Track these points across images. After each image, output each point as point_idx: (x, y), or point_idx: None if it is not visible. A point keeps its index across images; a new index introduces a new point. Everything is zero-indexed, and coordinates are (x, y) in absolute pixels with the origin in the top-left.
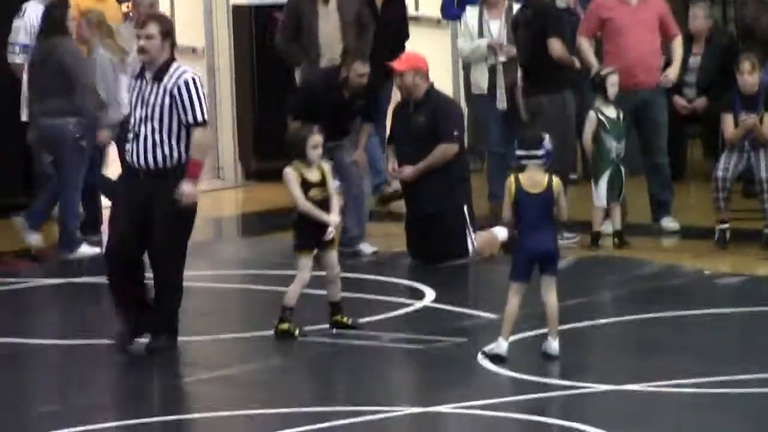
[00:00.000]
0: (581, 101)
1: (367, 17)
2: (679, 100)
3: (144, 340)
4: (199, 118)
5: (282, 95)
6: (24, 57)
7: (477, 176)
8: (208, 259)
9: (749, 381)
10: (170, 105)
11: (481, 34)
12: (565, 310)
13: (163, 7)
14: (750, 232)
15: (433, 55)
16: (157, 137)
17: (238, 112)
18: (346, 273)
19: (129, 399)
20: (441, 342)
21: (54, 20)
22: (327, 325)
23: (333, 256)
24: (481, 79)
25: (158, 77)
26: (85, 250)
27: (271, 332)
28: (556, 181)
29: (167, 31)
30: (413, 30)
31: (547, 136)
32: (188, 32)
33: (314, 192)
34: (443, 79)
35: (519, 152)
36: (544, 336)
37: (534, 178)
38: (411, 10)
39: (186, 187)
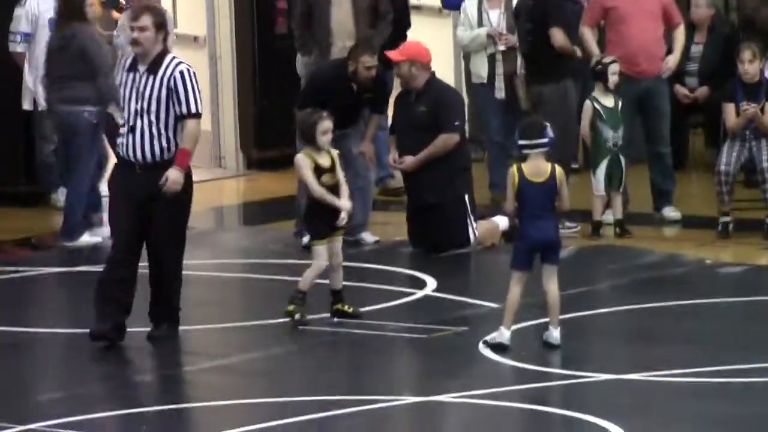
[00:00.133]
0: (583, 90)
1: (386, 4)
2: (681, 90)
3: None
4: (194, 109)
5: (283, 84)
6: (25, 46)
7: (478, 166)
8: (210, 248)
9: (750, 370)
10: (167, 97)
11: (480, 23)
12: (567, 299)
13: None
14: (752, 221)
15: (435, 44)
16: (154, 130)
17: (239, 101)
18: (348, 262)
19: (130, 388)
20: (442, 331)
21: (73, 6)
22: (328, 314)
23: (338, 244)
24: (480, 68)
25: (153, 70)
26: (87, 239)
27: (273, 321)
28: (559, 169)
29: (161, 23)
30: (415, 19)
31: (547, 124)
32: (190, 20)
33: (326, 178)
34: (445, 69)
35: (522, 142)
36: (546, 325)
37: (538, 167)
38: None
39: (173, 175)
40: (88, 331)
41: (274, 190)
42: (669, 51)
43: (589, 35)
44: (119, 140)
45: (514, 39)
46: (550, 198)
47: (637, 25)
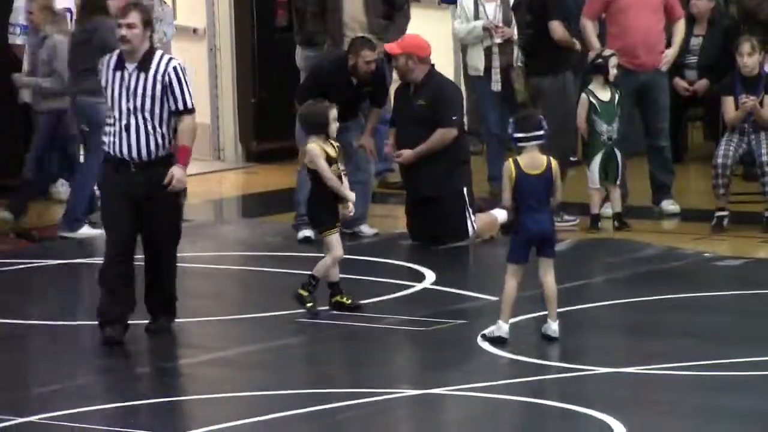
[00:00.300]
0: (582, 84)
1: None
2: (680, 83)
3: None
4: (189, 104)
5: (283, 76)
6: (24, 38)
7: (477, 158)
8: (209, 241)
9: (748, 363)
10: (162, 94)
11: (476, 16)
12: (565, 292)
13: None
14: (750, 214)
15: (434, 36)
16: (149, 127)
17: (238, 94)
18: (347, 254)
19: (127, 380)
20: (441, 324)
21: (95, 1)
22: (327, 307)
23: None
24: (477, 61)
25: (143, 67)
26: (87, 231)
27: (271, 314)
28: (554, 162)
29: (148, 20)
30: (414, 12)
31: (542, 117)
32: (189, 12)
33: (333, 168)
34: (444, 61)
35: (518, 135)
36: (544, 318)
37: (534, 159)
38: None
39: (178, 173)
40: (88, 323)
41: (273, 182)
42: (668, 44)
43: (590, 28)
44: (108, 139)
45: (510, 31)
46: (547, 190)
47: (639, 17)
